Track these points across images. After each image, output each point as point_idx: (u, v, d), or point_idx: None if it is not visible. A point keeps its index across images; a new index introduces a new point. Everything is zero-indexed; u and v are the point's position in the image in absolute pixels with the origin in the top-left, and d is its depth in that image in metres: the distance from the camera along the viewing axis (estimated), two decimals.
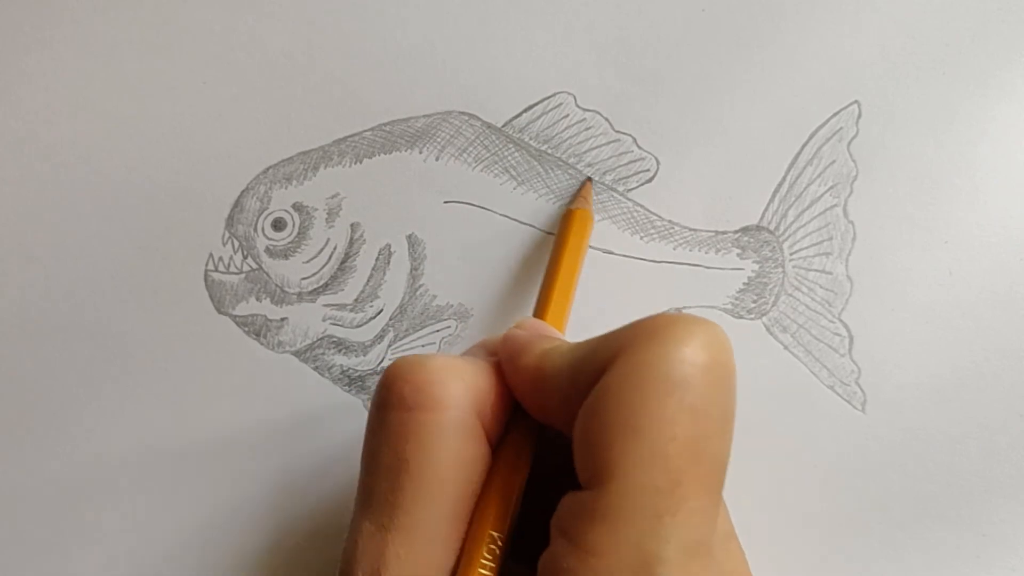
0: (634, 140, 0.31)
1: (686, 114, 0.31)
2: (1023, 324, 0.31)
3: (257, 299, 0.31)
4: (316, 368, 0.31)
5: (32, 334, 0.30)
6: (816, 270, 0.31)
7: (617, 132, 0.31)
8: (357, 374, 0.31)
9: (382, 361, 0.31)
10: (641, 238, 0.31)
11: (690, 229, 0.31)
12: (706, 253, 0.31)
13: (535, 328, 0.24)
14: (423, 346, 0.31)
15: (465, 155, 0.31)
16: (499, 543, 0.20)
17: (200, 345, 0.30)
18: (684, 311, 0.31)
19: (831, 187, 0.31)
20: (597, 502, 0.18)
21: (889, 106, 0.31)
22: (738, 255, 0.31)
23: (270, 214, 0.31)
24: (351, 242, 0.31)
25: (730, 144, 0.31)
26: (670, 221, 0.31)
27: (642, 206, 0.31)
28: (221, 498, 0.30)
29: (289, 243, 0.31)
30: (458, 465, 0.20)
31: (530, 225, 0.31)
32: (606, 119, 0.31)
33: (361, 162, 0.31)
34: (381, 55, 0.31)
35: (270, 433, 0.30)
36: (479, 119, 0.31)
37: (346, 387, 0.31)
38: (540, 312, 0.26)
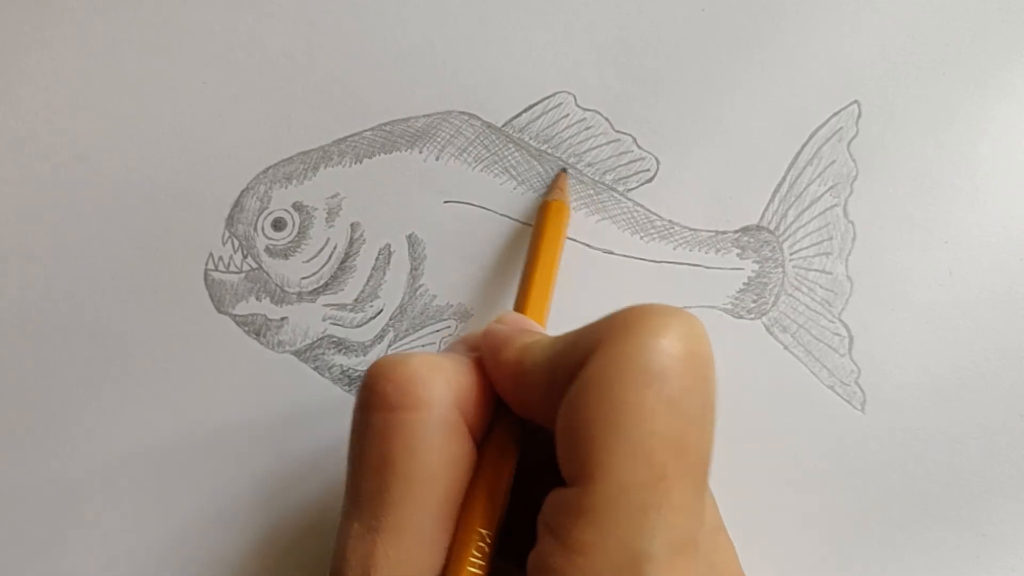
0: (634, 140, 0.31)
1: (686, 114, 0.31)
2: (1023, 324, 0.31)
3: (257, 299, 0.31)
4: (316, 368, 0.31)
5: (32, 334, 0.30)
6: (816, 270, 0.31)
7: (617, 132, 0.31)
8: (357, 374, 0.31)
9: None
10: (641, 238, 0.31)
11: (690, 229, 0.31)
12: (706, 253, 0.31)
13: (516, 322, 0.24)
14: (423, 346, 0.31)
15: (465, 155, 0.31)
16: (487, 541, 0.20)
17: (200, 345, 0.30)
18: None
19: (831, 187, 0.31)
20: (582, 500, 0.18)
21: (889, 106, 0.31)
22: (738, 255, 0.31)
23: (270, 214, 0.31)
24: (351, 242, 0.31)
25: (730, 144, 0.31)
26: (670, 221, 0.31)
27: (642, 206, 0.31)
28: (221, 498, 0.30)
29: (289, 243, 0.31)
30: (444, 463, 0.20)
31: (530, 225, 0.31)
32: (606, 119, 0.31)
33: (361, 162, 0.31)
34: (381, 55, 0.31)
35: (270, 433, 0.30)
36: (479, 119, 0.31)
37: (346, 387, 0.31)
38: (520, 306, 0.26)
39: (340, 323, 0.31)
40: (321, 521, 0.30)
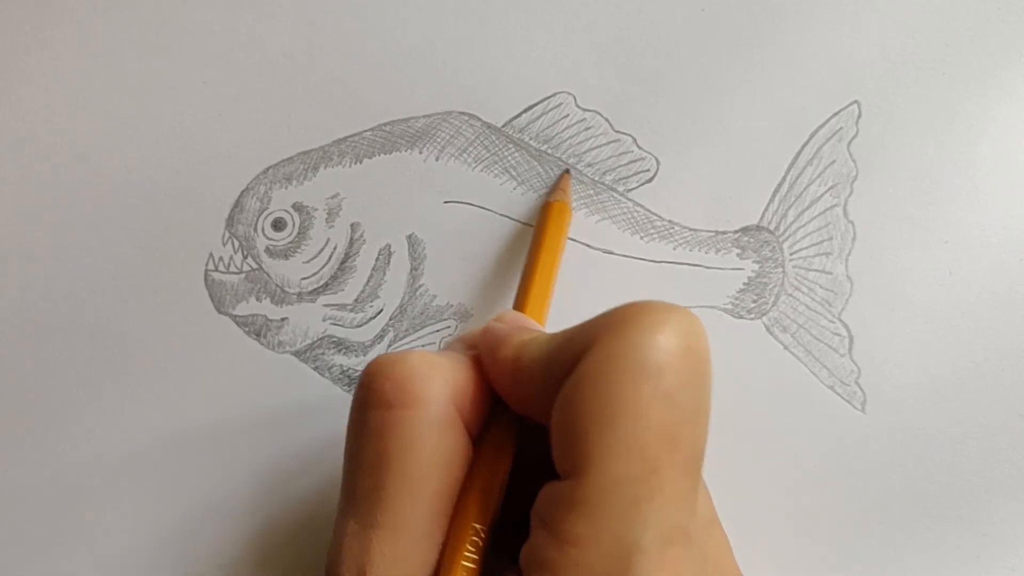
0: (634, 140, 0.31)
1: (686, 114, 0.31)
2: (1023, 324, 0.31)
3: (257, 299, 0.31)
4: (316, 368, 0.31)
5: (32, 334, 0.30)
6: (816, 270, 0.31)
7: (617, 132, 0.31)
8: (357, 374, 0.31)
9: None
10: (641, 238, 0.31)
11: (690, 229, 0.31)
12: (706, 253, 0.31)
13: (515, 321, 0.24)
14: (423, 346, 0.31)
15: (465, 155, 0.31)
16: (482, 536, 0.20)
17: (200, 345, 0.30)
18: None
19: (831, 187, 0.31)
20: (575, 492, 0.18)
21: (889, 106, 0.31)
22: (738, 255, 0.31)
23: (270, 214, 0.31)
24: (351, 242, 0.31)
25: (730, 144, 0.31)
26: (670, 221, 0.31)
27: (642, 206, 0.31)
28: (220, 497, 0.30)
29: (289, 243, 0.31)
30: (439, 461, 0.20)
31: (530, 225, 0.31)
32: (606, 119, 0.31)
33: (361, 162, 0.31)
34: (381, 55, 0.31)
35: (270, 433, 0.30)
36: (479, 119, 0.31)
37: (346, 387, 0.31)
38: (519, 305, 0.27)
39: (340, 323, 0.31)
40: (320, 520, 0.30)
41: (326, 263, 0.31)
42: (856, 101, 0.31)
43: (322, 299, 0.31)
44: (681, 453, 0.18)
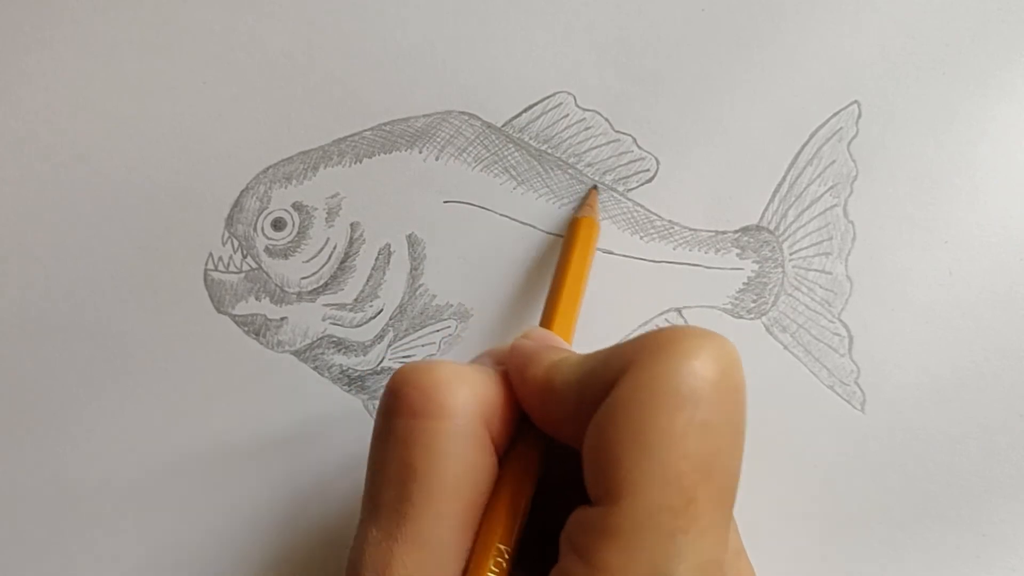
0: (634, 140, 0.31)
1: (686, 114, 0.31)
2: (1023, 324, 0.31)
3: (257, 299, 0.31)
4: (316, 368, 0.31)
5: (32, 334, 0.30)
6: (816, 270, 0.31)
7: (617, 132, 0.31)
8: (357, 374, 0.31)
9: (382, 361, 0.31)
10: (641, 238, 0.31)
11: (690, 229, 0.31)
12: (706, 253, 0.31)
13: (543, 339, 0.23)
14: (423, 346, 0.31)
15: (465, 155, 0.31)
16: (506, 556, 0.20)
17: (200, 345, 0.30)
18: (684, 311, 0.31)
19: (831, 187, 0.31)
20: (608, 520, 0.18)
21: (889, 106, 0.31)
22: (738, 255, 0.31)
23: (270, 214, 0.31)
24: (351, 242, 0.31)
25: (730, 144, 0.31)
26: (670, 221, 0.31)
27: (642, 206, 0.31)
28: (220, 497, 0.30)
29: (289, 243, 0.31)
30: (465, 474, 0.20)
31: (530, 225, 0.31)
32: (606, 119, 0.31)
33: (361, 162, 0.31)
34: (381, 55, 0.31)
35: (269, 432, 0.30)
36: (479, 119, 0.31)
37: (346, 387, 0.31)
38: (547, 322, 0.26)
39: (340, 323, 0.31)
40: (319, 520, 0.30)
41: (326, 263, 0.31)
42: (856, 101, 0.31)
43: (322, 299, 0.31)
44: (716, 483, 0.18)
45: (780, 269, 0.31)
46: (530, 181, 0.31)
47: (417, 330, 0.31)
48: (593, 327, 0.30)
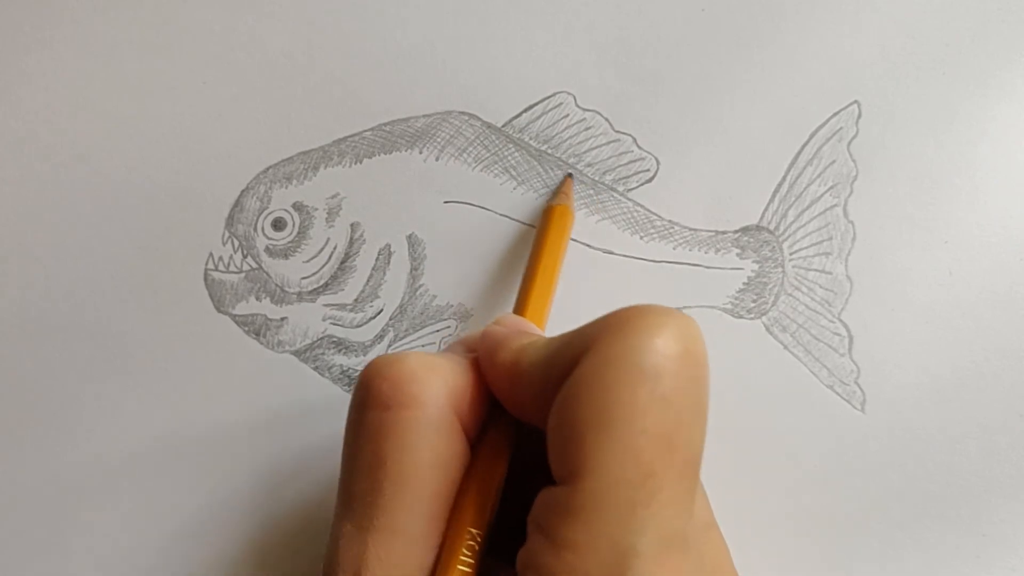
0: (634, 140, 0.31)
1: (686, 114, 0.31)
2: (1023, 324, 0.31)
3: (257, 298, 0.31)
4: (316, 368, 0.31)
5: (32, 334, 0.30)
6: (816, 270, 0.31)
7: (617, 132, 0.31)
8: (357, 374, 0.31)
9: None
10: (641, 238, 0.31)
11: (690, 229, 0.31)
12: (706, 253, 0.31)
13: (514, 324, 0.24)
14: (423, 346, 0.31)
15: (465, 155, 0.31)
16: (478, 540, 0.20)
17: (200, 345, 0.30)
18: (684, 311, 0.31)
19: (831, 187, 0.31)
20: (571, 497, 0.18)
21: (889, 106, 0.31)
22: (738, 255, 0.31)
23: (270, 214, 0.31)
24: (351, 242, 0.31)
25: (730, 144, 0.31)
26: (670, 221, 0.31)
27: (642, 206, 0.31)
28: (219, 497, 0.30)
29: (289, 243, 0.31)
30: (437, 463, 0.20)
31: (530, 225, 0.31)
32: (606, 119, 0.31)
33: (361, 162, 0.31)
34: (381, 55, 0.31)
35: (269, 432, 0.30)
36: (479, 119, 0.31)
37: (346, 387, 0.31)
38: (520, 308, 0.26)
39: (340, 323, 0.31)
40: (319, 521, 0.30)
41: (326, 263, 0.31)
42: (856, 101, 0.31)
43: (322, 299, 0.31)
44: (678, 457, 0.18)
45: (780, 269, 0.31)
46: (530, 181, 0.31)
47: (417, 330, 0.31)
48: None
